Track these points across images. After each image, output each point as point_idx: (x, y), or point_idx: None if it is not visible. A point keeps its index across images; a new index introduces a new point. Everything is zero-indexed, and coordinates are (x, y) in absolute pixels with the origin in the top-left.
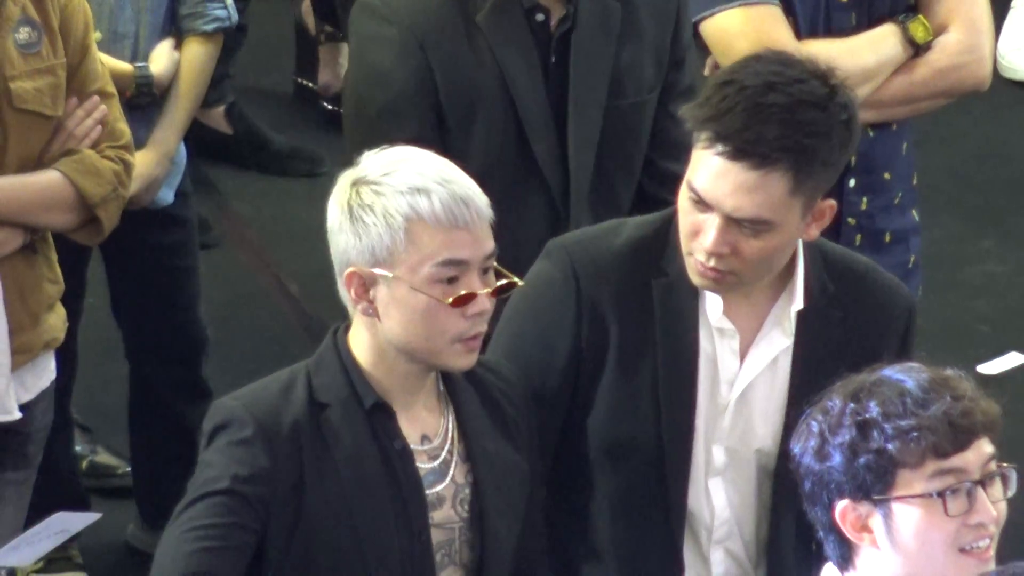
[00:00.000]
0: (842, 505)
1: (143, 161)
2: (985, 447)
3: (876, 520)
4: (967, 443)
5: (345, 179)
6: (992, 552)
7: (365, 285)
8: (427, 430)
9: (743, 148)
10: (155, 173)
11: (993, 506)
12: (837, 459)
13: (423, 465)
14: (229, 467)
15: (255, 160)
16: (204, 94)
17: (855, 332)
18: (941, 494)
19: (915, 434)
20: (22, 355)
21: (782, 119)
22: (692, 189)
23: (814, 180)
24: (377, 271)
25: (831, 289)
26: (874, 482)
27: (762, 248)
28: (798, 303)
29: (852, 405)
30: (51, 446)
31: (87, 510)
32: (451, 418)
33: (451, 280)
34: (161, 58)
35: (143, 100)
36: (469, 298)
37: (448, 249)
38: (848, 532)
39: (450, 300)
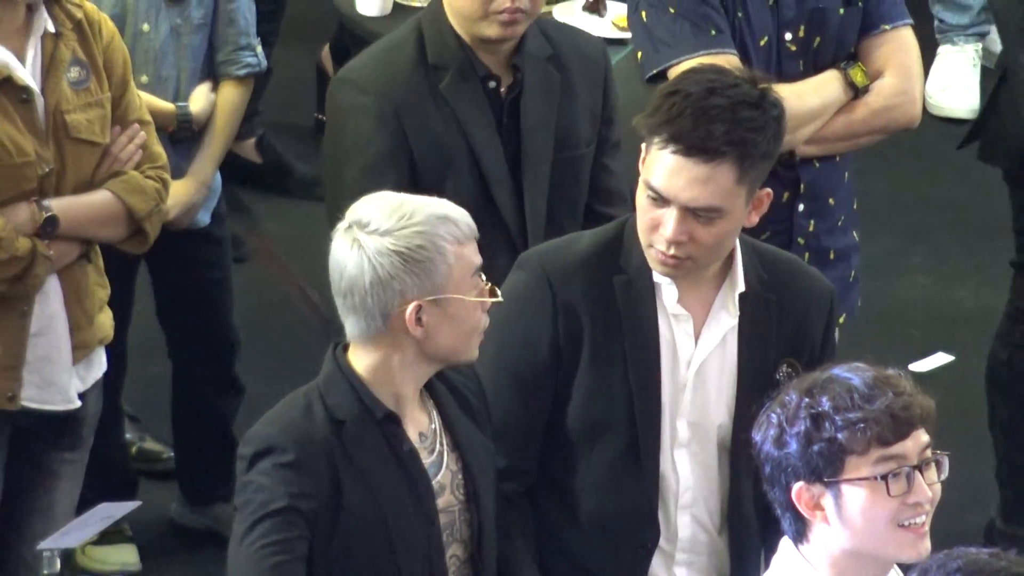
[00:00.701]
0: (797, 487)
1: (183, 189)
2: (922, 437)
3: (827, 500)
4: (907, 433)
5: (366, 239)
6: (927, 528)
7: (418, 315)
8: (421, 428)
9: (695, 145)
10: (194, 199)
11: (929, 487)
12: (793, 447)
13: (424, 459)
14: (281, 487)
15: (281, 186)
16: (237, 130)
17: (787, 312)
18: (884, 477)
19: (862, 425)
20: (80, 351)
21: (725, 118)
22: (650, 188)
23: (756, 170)
24: (436, 297)
25: (764, 277)
26: (826, 467)
27: (715, 234)
28: (740, 287)
29: (807, 399)
30: (105, 435)
31: (135, 492)
32: (435, 413)
33: (481, 284)
34: (200, 99)
35: (183, 135)
36: (493, 291)
37: (476, 256)
38: (803, 510)
39: (493, 300)
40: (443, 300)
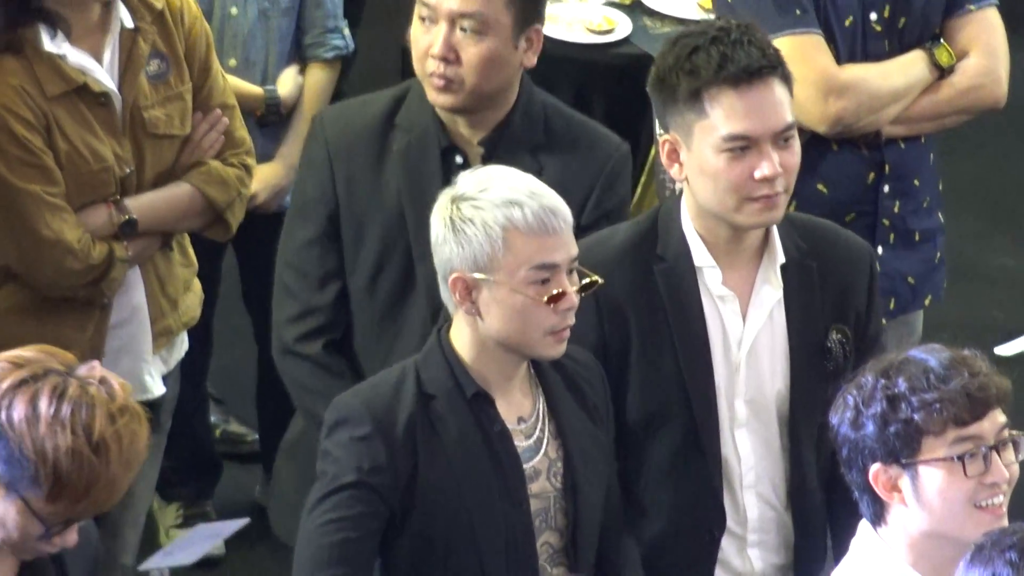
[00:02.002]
0: (875, 468)
1: (272, 172)
2: (999, 417)
3: (904, 481)
4: (983, 413)
5: (444, 197)
6: (1004, 508)
7: (468, 288)
8: (522, 412)
9: (753, 72)
10: (282, 183)
11: (1006, 468)
12: (870, 428)
13: (520, 443)
14: (352, 461)
15: None
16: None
17: (830, 277)
18: (961, 458)
19: (938, 406)
20: (163, 338)
21: None
22: (736, 138)
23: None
24: (479, 276)
25: (803, 245)
26: (903, 448)
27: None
28: (780, 258)
29: (883, 381)
30: (190, 417)
31: (219, 474)
32: (542, 400)
33: (544, 281)
34: (287, 82)
35: (271, 119)
36: (561, 296)
37: (540, 254)
38: (880, 492)
39: (545, 299)
40: (490, 282)
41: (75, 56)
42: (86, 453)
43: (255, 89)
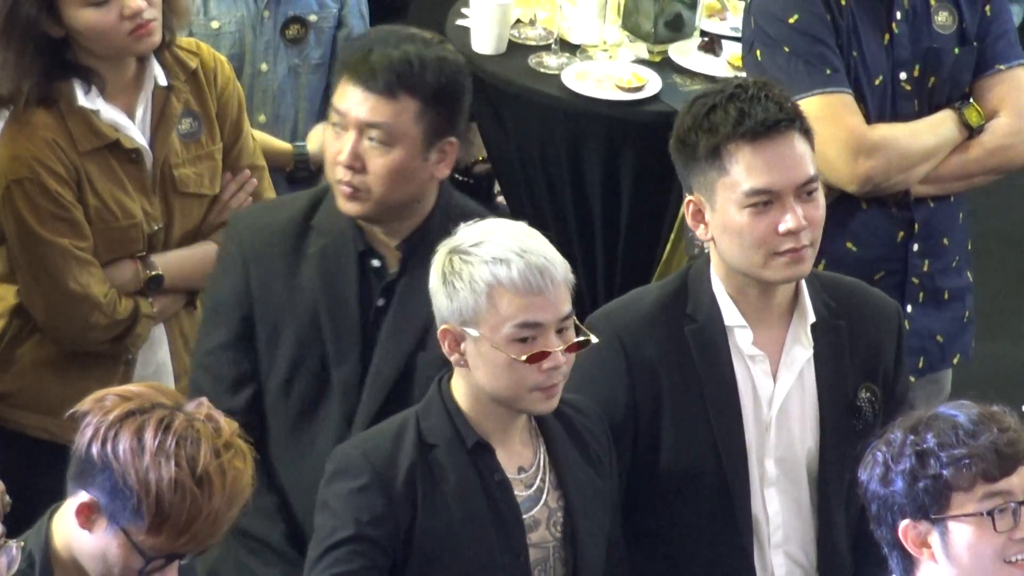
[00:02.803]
0: (904, 524)
1: None
2: None
3: (934, 537)
4: (1012, 469)
5: (443, 247)
6: None
7: (456, 341)
8: (522, 462)
9: (771, 126)
10: None
11: None
12: (899, 484)
13: (520, 493)
14: (351, 514)
15: None
16: None
17: (859, 336)
18: (990, 513)
19: (967, 461)
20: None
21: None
22: (758, 193)
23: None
24: (465, 329)
25: (832, 304)
26: (932, 503)
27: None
28: (811, 318)
29: (912, 437)
30: None
31: None
32: (543, 450)
33: (528, 339)
34: (317, 137)
35: (301, 175)
36: (542, 356)
37: (524, 312)
38: (910, 548)
39: (524, 358)
40: (475, 336)
41: (108, 112)
42: (189, 485)
43: (285, 145)
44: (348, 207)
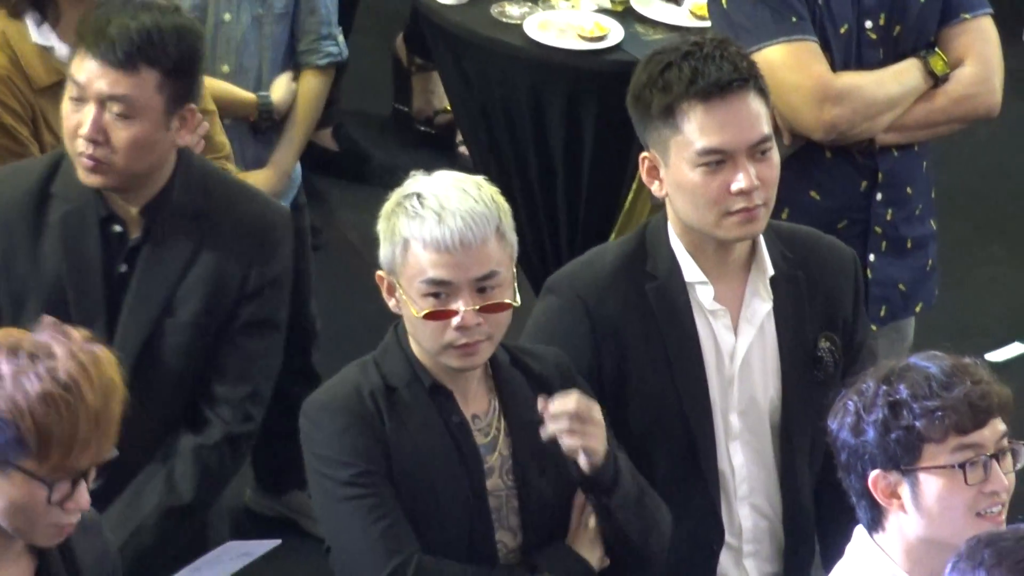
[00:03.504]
0: (874, 475)
1: (265, 179)
2: (999, 425)
3: (904, 488)
4: (984, 422)
5: (394, 194)
6: (1003, 517)
7: (390, 288)
8: (477, 410)
9: (725, 86)
10: (275, 189)
11: (1005, 477)
12: (871, 434)
13: (476, 440)
14: (347, 454)
15: (358, 175)
16: (317, 119)
17: (817, 286)
18: (962, 466)
19: (940, 413)
20: None
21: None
22: (710, 152)
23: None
24: (390, 278)
25: (789, 255)
26: (903, 454)
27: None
28: (769, 270)
29: (884, 387)
30: None
31: None
32: (496, 399)
33: (441, 296)
34: (280, 88)
35: (264, 125)
36: (442, 315)
37: (433, 269)
38: (879, 498)
39: (422, 314)
40: (397, 286)
41: (63, 50)
42: (58, 393)
43: (249, 95)
44: (90, 179)
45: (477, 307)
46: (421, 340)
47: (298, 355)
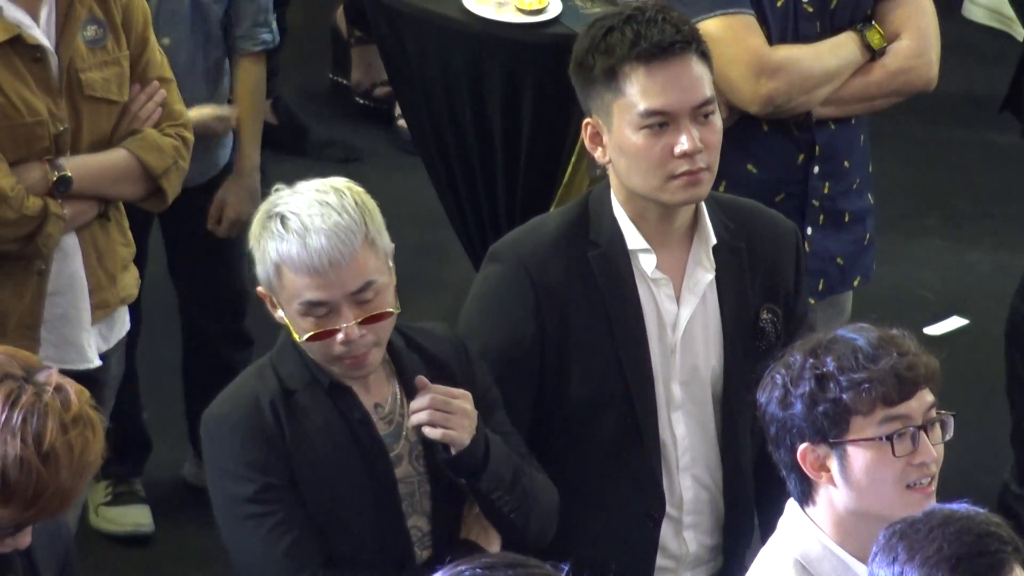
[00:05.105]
0: (802, 448)
1: (238, 187)
2: (927, 397)
3: (833, 461)
4: (911, 393)
5: (260, 210)
6: (933, 488)
7: (272, 303)
8: (378, 399)
9: (667, 48)
10: (253, 187)
11: (934, 448)
12: (798, 407)
13: (380, 430)
14: (246, 470)
15: (296, 147)
16: (263, 105)
17: (758, 257)
18: (889, 437)
19: (867, 385)
20: (101, 310)
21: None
22: (652, 114)
23: None
24: (271, 295)
25: (731, 226)
26: (831, 427)
27: (717, 128)
28: (712, 240)
29: (811, 360)
30: (120, 393)
31: (149, 449)
32: (397, 385)
33: (321, 316)
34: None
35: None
36: (325, 335)
37: (308, 291)
38: (808, 471)
39: (304, 337)
40: (277, 303)
41: (11, 11)
42: (35, 463)
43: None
44: None
45: (359, 320)
46: (313, 354)
47: (231, 318)
